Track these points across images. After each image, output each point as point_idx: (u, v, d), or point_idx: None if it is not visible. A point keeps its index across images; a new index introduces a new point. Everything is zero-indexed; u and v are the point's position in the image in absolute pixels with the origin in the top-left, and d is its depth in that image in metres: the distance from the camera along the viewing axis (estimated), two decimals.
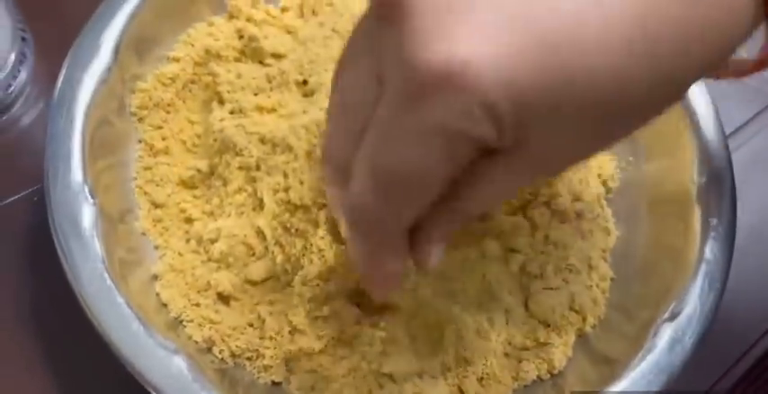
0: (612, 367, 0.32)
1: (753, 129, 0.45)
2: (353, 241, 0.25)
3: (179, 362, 0.28)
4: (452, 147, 0.21)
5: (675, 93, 0.22)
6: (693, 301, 0.32)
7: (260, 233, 0.33)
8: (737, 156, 0.44)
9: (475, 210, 0.25)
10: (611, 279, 0.36)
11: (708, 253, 0.33)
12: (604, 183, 0.39)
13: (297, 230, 0.32)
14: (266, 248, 0.33)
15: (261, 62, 0.37)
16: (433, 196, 0.23)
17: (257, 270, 0.32)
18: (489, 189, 0.24)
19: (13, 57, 0.37)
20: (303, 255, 0.32)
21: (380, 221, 0.24)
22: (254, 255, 0.33)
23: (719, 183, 0.35)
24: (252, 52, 0.37)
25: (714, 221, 0.34)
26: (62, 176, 0.31)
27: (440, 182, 0.22)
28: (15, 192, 0.36)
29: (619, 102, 0.21)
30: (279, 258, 0.32)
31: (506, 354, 0.33)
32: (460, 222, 0.26)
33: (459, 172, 0.22)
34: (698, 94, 0.37)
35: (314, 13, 0.39)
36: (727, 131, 0.45)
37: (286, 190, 0.32)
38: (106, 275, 0.29)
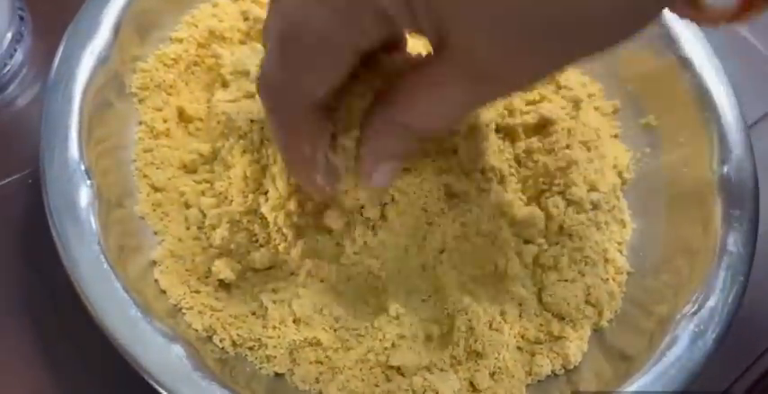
0: (629, 364, 0.31)
1: None
2: (272, 130, 0.27)
3: (178, 350, 0.27)
4: (354, 12, 0.21)
5: (634, 15, 0.20)
6: (716, 295, 0.31)
7: (263, 219, 0.31)
8: (754, 151, 0.43)
9: (417, 123, 0.25)
10: (628, 273, 0.35)
11: (730, 245, 0.32)
12: (619, 174, 0.37)
13: None
14: (269, 235, 0.31)
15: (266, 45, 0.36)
16: (338, 70, 0.23)
17: (260, 258, 0.31)
18: (426, 98, 0.23)
19: (9, 36, 0.36)
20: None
21: (284, 91, 0.24)
22: (256, 241, 0.31)
23: (741, 174, 0.34)
24: (257, 34, 0.36)
25: (736, 212, 0.33)
26: (58, 156, 0.29)
27: (341, 52, 0.22)
28: (9, 174, 0.35)
29: (559, 16, 0.19)
30: (282, 246, 0.31)
31: (519, 348, 0.32)
32: (407, 139, 0.26)
33: (367, 47, 0.22)
34: (717, 83, 0.36)
35: None
36: None
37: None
38: (103, 258, 0.28)
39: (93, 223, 0.28)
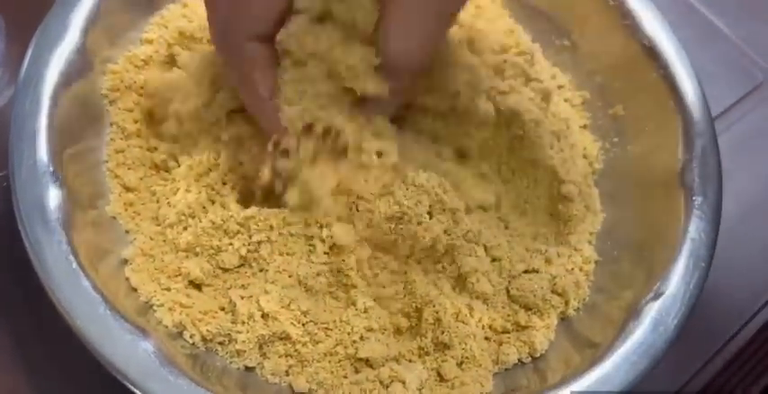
0: (595, 350, 0.31)
1: (740, 111, 0.44)
2: (230, 76, 0.30)
3: (147, 347, 0.27)
4: None
5: None
6: (677, 281, 0.31)
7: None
8: (725, 138, 0.43)
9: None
10: (596, 261, 0.35)
11: (692, 232, 0.32)
12: (590, 164, 0.38)
13: None
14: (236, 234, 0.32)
15: None
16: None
17: (229, 258, 0.31)
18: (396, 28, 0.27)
19: None
20: None
21: (230, 32, 0.27)
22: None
23: (705, 163, 0.34)
24: None
25: (699, 200, 0.33)
26: (27, 157, 0.30)
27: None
28: None
29: None
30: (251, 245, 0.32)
31: (486, 338, 0.33)
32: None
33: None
34: (683, 73, 0.36)
35: None
36: (715, 113, 0.44)
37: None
38: (72, 258, 0.28)
39: (62, 224, 0.29)
